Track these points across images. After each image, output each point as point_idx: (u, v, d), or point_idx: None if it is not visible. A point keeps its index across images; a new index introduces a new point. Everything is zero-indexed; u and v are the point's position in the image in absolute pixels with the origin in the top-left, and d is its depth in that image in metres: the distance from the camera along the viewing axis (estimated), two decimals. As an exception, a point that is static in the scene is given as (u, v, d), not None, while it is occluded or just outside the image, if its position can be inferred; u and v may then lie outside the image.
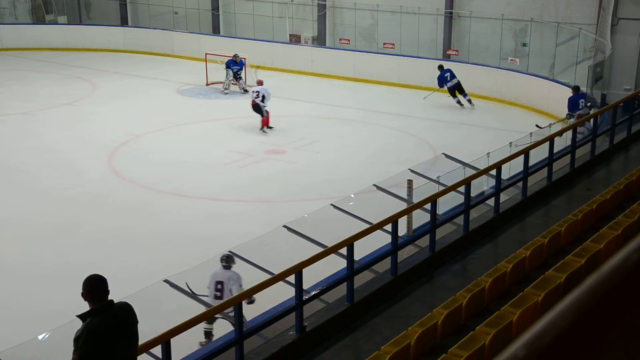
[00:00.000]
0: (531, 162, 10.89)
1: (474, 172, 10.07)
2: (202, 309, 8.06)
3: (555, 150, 11.21)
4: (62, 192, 14.72)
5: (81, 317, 4.80)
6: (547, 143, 10.98)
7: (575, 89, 17.70)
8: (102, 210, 13.87)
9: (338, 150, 17.80)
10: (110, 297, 4.90)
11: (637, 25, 21.36)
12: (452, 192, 9.53)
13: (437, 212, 9.13)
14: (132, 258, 11.65)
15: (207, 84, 24.60)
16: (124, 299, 5.10)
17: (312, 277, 7.91)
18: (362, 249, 8.50)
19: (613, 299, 1.24)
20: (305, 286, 7.39)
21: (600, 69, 20.39)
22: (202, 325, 8.66)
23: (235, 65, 23.72)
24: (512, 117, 20.60)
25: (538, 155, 11.38)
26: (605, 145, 12.86)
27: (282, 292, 7.76)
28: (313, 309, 7.78)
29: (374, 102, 22.84)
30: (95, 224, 13.16)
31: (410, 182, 11.03)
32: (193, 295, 8.37)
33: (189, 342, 8.65)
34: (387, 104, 22.45)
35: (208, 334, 8.92)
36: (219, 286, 8.81)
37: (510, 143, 13.51)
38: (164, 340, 6.03)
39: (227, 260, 9.03)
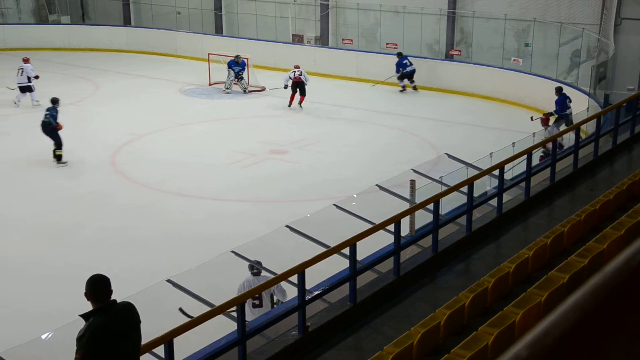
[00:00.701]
0: (534, 163, 10.88)
1: (477, 172, 10.07)
2: (205, 308, 8.06)
3: (558, 150, 11.20)
4: (65, 192, 14.74)
5: (84, 316, 4.81)
6: (550, 143, 10.97)
7: (559, 89, 18.01)
8: (104, 210, 13.88)
9: (340, 151, 17.80)
10: (113, 297, 4.91)
11: (641, 25, 21.35)
12: (455, 192, 9.52)
13: (440, 212, 9.12)
14: (134, 258, 11.66)
15: (210, 84, 24.62)
16: (126, 298, 5.11)
17: (315, 277, 7.91)
18: (365, 249, 8.50)
19: (616, 300, 1.24)
20: (307, 286, 7.39)
21: (603, 69, 20.36)
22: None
23: (236, 65, 23.76)
24: (515, 117, 20.57)
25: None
26: (609, 145, 12.84)
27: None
28: (316, 309, 7.78)
29: (377, 102, 22.83)
30: (98, 224, 13.17)
31: (413, 182, 11.03)
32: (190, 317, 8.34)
33: (192, 341, 8.66)
34: (390, 104, 22.44)
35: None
36: (256, 295, 8.67)
37: (513, 143, 13.50)
38: (167, 340, 6.04)
39: (256, 267, 8.94)
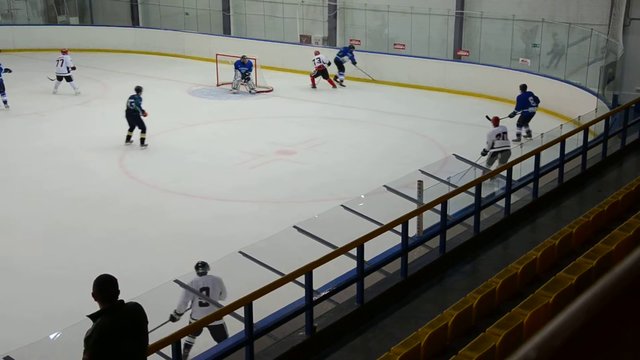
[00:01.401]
0: (542, 163, 10.85)
1: (485, 173, 10.05)
2: (213, 309, 8.08)
3: (566, 151, 11.16)
4: (73, 193, 14.79)
5: (92, 317, 4.83)
6: (559, 144, 10.93)
7: (523, 87, 18.29)
8: (112, 210, 13.92)
9: (348, 151, 17.79)
10: (120, 298, 4.93)
11: (649, 26, 21.27)
12: (463, 193, 9.51)
13: (448, 213, 9.11)
14: (142, 258, 11.69)
15: (218, 85, 24.66)
16: (134, 299, 5.12)
17: (322, 277, 7.91)
18: (372, 250, 8.49)
19: (624, 301, 1.23)
20: (315, 287, 7.39)
21: (612, 70, 20.29)
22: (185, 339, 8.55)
23: (242, 66, 23.78)
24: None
25: (549, 156, 11.33)
26: (617, 146, 12.80)
27: (292, 293, 7.75)
28: (323, 309, 7.78)
29: (385, 102, 22.82)
30: (105, 225, 13.21)
31: (420, 182, 11.02)
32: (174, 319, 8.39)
33: (199, 342, 8.68)
34: (398, 105, 22.43)
35: (187, 347, 8.73)
36: (204, 292, 8.71)
37: (521, 144, 13.47)
38: (174, 340, 6.05)
39: (203, 267, 8.96)
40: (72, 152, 17.58)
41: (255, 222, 13.23)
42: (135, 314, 4.99)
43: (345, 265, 8.24)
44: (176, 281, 8.34)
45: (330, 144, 18.38)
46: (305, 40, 28.72)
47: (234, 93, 23.78)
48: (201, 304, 8.57)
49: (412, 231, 9.59)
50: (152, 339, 5.63)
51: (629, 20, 21.41)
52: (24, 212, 13.91)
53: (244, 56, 23.90)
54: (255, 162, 16.78)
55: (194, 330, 7.83)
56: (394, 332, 7.36)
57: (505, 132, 15.00)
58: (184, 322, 8.23)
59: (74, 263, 11.53)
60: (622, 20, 21.18)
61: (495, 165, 14.22)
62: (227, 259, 9.25)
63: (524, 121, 18.20)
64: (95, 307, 4.89)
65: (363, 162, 16.91)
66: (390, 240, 8.79)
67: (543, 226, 10.11)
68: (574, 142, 12.19)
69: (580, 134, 11.74)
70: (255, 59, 24.35)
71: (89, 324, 4.81)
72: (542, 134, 13.37)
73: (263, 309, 7.68)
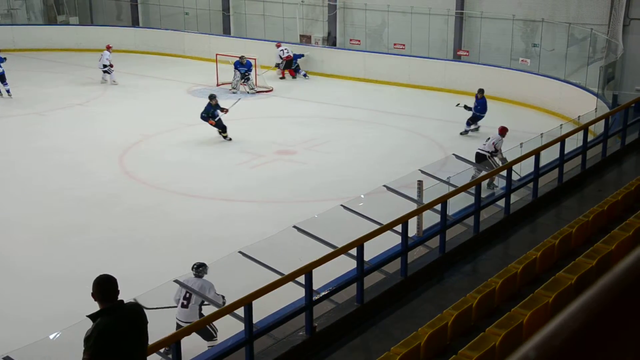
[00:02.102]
0: (542, 163, 10.85)
1: (485, 173, 10.05)
2: (212, 309, 8.08)
3: (566, 151, 11.16)
4: (73, 193, 14.78)
5: (91, 317, 4.82)
6: (558, 144, 10.94)
7: (482, 91, 18.86)
8: (113, 210, 13.92)
9: (348, 151, 17.79)
10: (120, 298, 4.92)
11: (649, 26, 21.26)
12: (463, 193, 9.51)
13: (448, 212, 9.11)
14: (142, 259, 11.68)
15: (218, 85, 24.66)
16: (134, 299, 5.11)
17: (322, 277, 7.91)
18: (372, 250, 8.49)
19: (624, 301, 1.24)
20: (315, 287, 7.39)
21: (611, 70, 20.29)
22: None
23: (241, 66, 23.77)
24: (523, 118, 20.53)
25: (549, 156, 11.34)
26: (617, 146, 12.80)
27: (292, 293, 7.75)
28: (323, 309, 7.78)
29: (384, 102, 22.82)
30: (105, 225, 13.20)
31: (420, 182, 11.01)
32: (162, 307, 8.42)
33: (199, 342, 8.67)
34: (398, 105, 22.43)
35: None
36: (187, 294, 8.70)
37: (521, 144, 13.46)
38: (174, 340, 6.05)
39: (197, 269, 8.94)
40: (72, 152, 17.58)
41: (255, 222, 13.23)
42: (135, 314, 4.98)
43: (345, 265, 8.24)
44: (176, 281, 8.35)
45: (330, 144, 18.38)
46: (306, 40, 28.72)
47: (233, 93, 23.78)
48: (182, 305, 8.59)
49: (412, 231, 9.59)
50: (152, 332, 5.64)
51: (628, 20, 21.41)
52: (24, 212, 13.91)
53: (242, 56, 23.91)
54: (256, 162, 16.78)
55: (191, 332, 7.83)
56: (394, 332, 7.36)
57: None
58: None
59: (74, 263, 11.52)
60: (622, 20, 21.18)
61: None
62: (227, 259, 9.25)
63: (475, 120, 18.96)
64: (95, 307, 4.89)
65: (363, 162, 16.91)
66: (390, 240, 8.80)
67: (543, 226, 10.11)
68: (574, 142, 12.19)
69: (580, 134, 11.74)
70: (255, 59, 24.35)
71: (89, 324, 4.81)
72: (541, 134, 13.37)
73: (263, 309, 7.69)
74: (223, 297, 8.74)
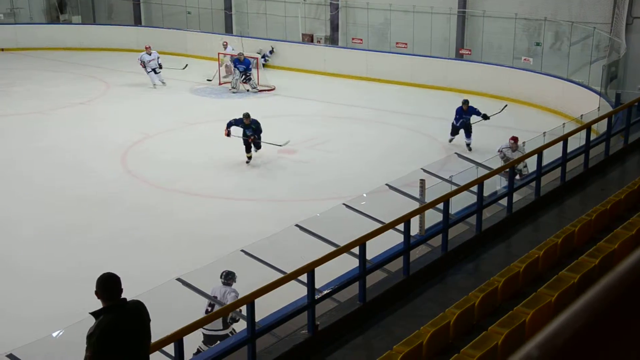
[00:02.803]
0: (544, 162, 10.83)
1: (487, 171, 10.04)
2: (215, 307, 8.09)
3: (569, 150, 11.15)
4: (75, 192, 14.79)
5: (94, 314, 4.83)
6: (561, 143, 10.92)
7: (466, 102, 17.73)
8: (115, 209, 13.93)
9: (350, 150, 17.79)
10: (123, 296, 4.93)
11: (652, 24, 21.23)
12: (465, 192, 9.50)
13: (450, 211, 9.10)
14: (144, 257, 11.70)
15: (220, 84, 24.66)
16: (136, 297, 5.12)
17: (324, 276, 7.91)
18: (374, 249, 8.49)
19: (627, 300, 1.23)
20: (317, 285, 7.39)
21: (614, 69, 20.26)
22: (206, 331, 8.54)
23: (240, 64, 23.62)
24: (525, 117, 20.51)
25: (551, 155, 11.32)
26: (620, 145, 12.78)
27: (294, 291, 7.76)
28: (325, 308, 7.78)
29: (387, 101, 22.81)
30: (107, 224, 13.22)
31: (422, 181, 11.01)
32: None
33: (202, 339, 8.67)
34: (400, 104, 22.42)
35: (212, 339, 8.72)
36: (211, 303, 8.68)
37: (524, 143, 13.45)
38: (177, 338, 6.05)
39: (227, 277, 8.96)
40: (74, 151, 17.59)
41: (257, 220, 13.23)
42: (138, 312, 4.99)
43: (347, 263, 8.24)
44: (178, 279, 8.34)
45: (332, 142, 18.38)
46: (308, 39, 28.71)
47: (234, 92, 23.73)
48: (207, 311, 8.55)
49: (415, 230, 9.59)
50: (170, 323, 5.65)
51: (631, 18, 21.38)
52: (25, 211, 13.92)
53: (240, 53, 23.78)
54: (258, 161, 16.78)
55: (218, 317, 7.81)
56: (396, 330, 7.36)
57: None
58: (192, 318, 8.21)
59: (77, 262, 11.54)
60: (625, 18, 21.15)
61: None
62: (229, 258, 9.25)
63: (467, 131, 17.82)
64: (98, 305, 4.89)
65: (365, 160, 16.91)
66: (393, 239, 8.79)
67: (545, 225, 10.10)
68: (577, 141, 12.17)
69: (583, 133, 11.73)
70: (257, 58, 24.32)
71: (92, 321, 4.82)
72: (544, 133, 13.35)
73: (265, 307, 7.69)
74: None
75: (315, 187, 15.11)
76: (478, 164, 10.69)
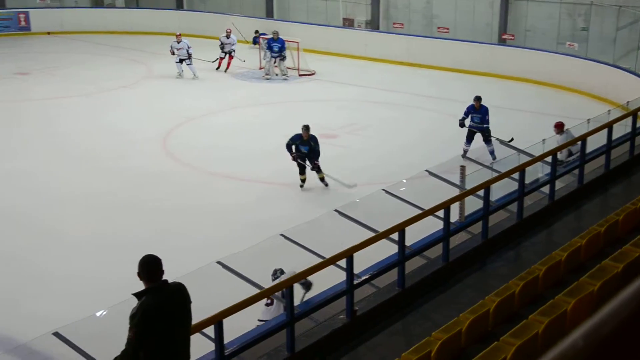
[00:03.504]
0: (588, 149, 10.66)
1: (529, 158, 9.91)
2: (254, 290, 8.14)
3: (614, 137, 10.94)
4: (117, 175, 15.00)
5: (137, 295, 4.92)
6: (606, 130, 10.73)
7: (478, 98, 15.85)
8: (155, 192, 14.09)
9: (389, 135, 17.71)
10: (164, 277, 5.01)
11: (703, 9, 20.64)
12: (506, 179, 9.40)
13: (490, 198, 9.02)
14: (185, 239, 11.83)
15: (261, 68, 24.70)
16: (177, 279, 5.19)
17: (363, 261, 7.91)
18: (413, 235, 8.47)
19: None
20: (355, 270, 7.40)
21: (662, 54, 19.78)
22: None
23: (274, 42, 23.25)
24: (569, 104, 20.17)
25: (596, 142, 11.13)
26: (667, 132, 12.49)
27: (333, 276, 7.78)
28: (363, 293, 7.80)
29: (427, 87, 22.63)
30: (149, 206, 13.39)
31: (463, 168, 10.92)
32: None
33: (241, 323, 8.76)
34: (440, 89, 22.22)
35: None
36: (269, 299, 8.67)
37: (567, 130, 13.23)
38: (217, 320, 6.13)
39: (275, 274, 8.91)
40: (118, 133, 17.83)
41: (296, 205, 13.28)
42: (179, 294, 5.07)
43: (385, 249, 8.23)
44: (218, 262, 8.42)
45: (372, 127, 18.33)
46: (348, 23, 28.59)
47: (267, 79, 23.47)
48: (266, 305, 8.56)
49: (454, 217, 9.53)
50: (210, 305, 5.72)
51: (681, 3, 20.82)
52: (74, 188, 14.14)
53: (275, 32, 23.50)
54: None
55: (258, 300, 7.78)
56: (435, 317, 7.35)
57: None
58: (232, 301, 8.31)
59: (119, 244, 11.72)
60: (675, 3, 20.60)
61: None
62: (268, 242, 9.30)
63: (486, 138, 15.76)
64: (140, 285, 4.98)
65: (404, 146, 16.82)
66: (432, 226, 8.75)
67: (588, 213, 9.96)
68: (622, 128, 11.94)
69: (629, 120, 11.49)
70: (298, 42, 24.28)
71: (134, 302, 4.91)
72: (588, 120, 13.12)
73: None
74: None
75: (354, 172, 15.08)
76: (520, 151, 10.55)
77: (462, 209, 10.40)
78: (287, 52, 23.79)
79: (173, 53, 23.34)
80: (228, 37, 23.86)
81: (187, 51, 23.16)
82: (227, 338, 6.43)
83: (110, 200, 13.64)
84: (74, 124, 18.73)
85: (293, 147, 13.96)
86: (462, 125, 15.71)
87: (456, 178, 10.65)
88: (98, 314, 7.12)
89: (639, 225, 8.50)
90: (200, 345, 6.15)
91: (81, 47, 28.55)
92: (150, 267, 4.96)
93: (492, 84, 22.59)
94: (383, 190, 9.52)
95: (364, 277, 7.68)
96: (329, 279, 7.89)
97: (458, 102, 20.51)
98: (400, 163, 15.23)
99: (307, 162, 13.90)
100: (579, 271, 7.42)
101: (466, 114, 15.76)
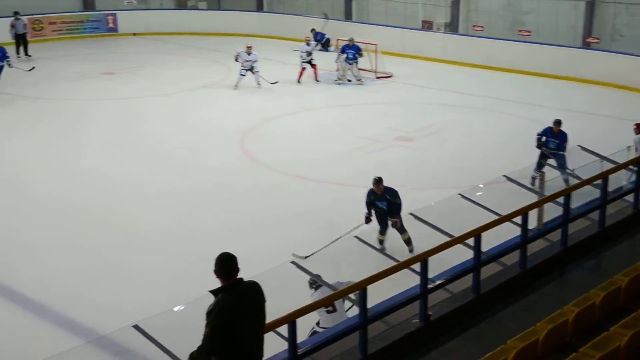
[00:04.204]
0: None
1: (612, 165, 9.60)
2: (341, 315, 8.18)
3: None
4: (195, 172, 15.30)
5: (213, 292, 5.01)
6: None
7: (558, 122, 14.20)
8: (233, 191, 14.32)
9: (466, 139, 17.48)
10: (239, 276, 5.08)
11: None
12: (587, 187, 9.13)
13: (571, 206, 8.78)
14: (260, 239, 11.96)
15: (338, 70, 24.75)
16: (252, 278, 5.26)
17: (437, 266, 7.83)
18: (490, 241, 8.32)
19: None
20: (430, 275, 7.33)
21: None
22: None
23: (349, 49, 23.09)
24: (656, 109, 19.44)
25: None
26: None
27: (407, 280, 7.73)
28: (437, 298, 7.71)
29: (506, 90, 22.24)
30: (226, 205, 13.61)
31: (542, 174, 10.69)
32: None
33: (311, 324, 8.81)
34: (520, 93, 21.81)
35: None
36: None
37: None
38: (290, 320, 6.17)
39: (316, 282, 8.66)
40: (197, 132, 18.20)
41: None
42: (254, 292, 5.13)
43: (460, 254, 8.12)
44: (293, 262, 8.49)
45: (448, 131, 18.13)
46: (427, 26, 28.38)
47: (339, 84, 23.31)
48: (328, 312, 8.52)
49: (532, 223, 9.32)
50: (284, 304, 5.78)
51: None
52: (158, 185, 14.46)
53: (351, 39, 23.45)
54: (373, 148, 16.79)
55: (330, 301, 7.74)
56: (511, 325, 7.20)
57: None
58: (306, 302, 8.40)
59: (195, 239, 11.95)
60: None
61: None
62: (342, 243, 9.34)
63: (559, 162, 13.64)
64: (217, 283, 5.07)
65: (481, 150, 16.57)
66: (509, 232, 8.58)
67: (676, 224, 9.56)
68: None
69: None
70: (376, 44, 24.23)
71: (211, 299, 5.00)
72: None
73: (378, 294, 7.71)
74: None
75: (430, 175, 14.96)
76: (603, 158, 10.23)
77: (540, 215, 10.16)
78: (364, 54, 23.72)
79: (237, 60, 22.40)
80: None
81: (253, 64, 22.27)
82: (300, 338, 6.48)
83: (190, 197, 13.94)
84: (155, 122, 19.22)
85: (369, 205, 11.46)
86: (540, 147, 13.89)
87: (535, 184, 10.43)
88: (175, 309, 7.29)
89: None
90: (272, 344, 6.21)
91: (165, 47, 29.33)
92: (227, 265, 5.04)
93: (576, 89, 22.01)
94: (459, 194, 9.40)
95: (438, 282, 7.60)
96: (403, 282, 7.84)
97: (540, 107, 20.08)
98: (477, 167, 15.01)
99: (389, 221, 11.28)
100: (664, 284, 7.15)
101: (541, 134, 14.08)
